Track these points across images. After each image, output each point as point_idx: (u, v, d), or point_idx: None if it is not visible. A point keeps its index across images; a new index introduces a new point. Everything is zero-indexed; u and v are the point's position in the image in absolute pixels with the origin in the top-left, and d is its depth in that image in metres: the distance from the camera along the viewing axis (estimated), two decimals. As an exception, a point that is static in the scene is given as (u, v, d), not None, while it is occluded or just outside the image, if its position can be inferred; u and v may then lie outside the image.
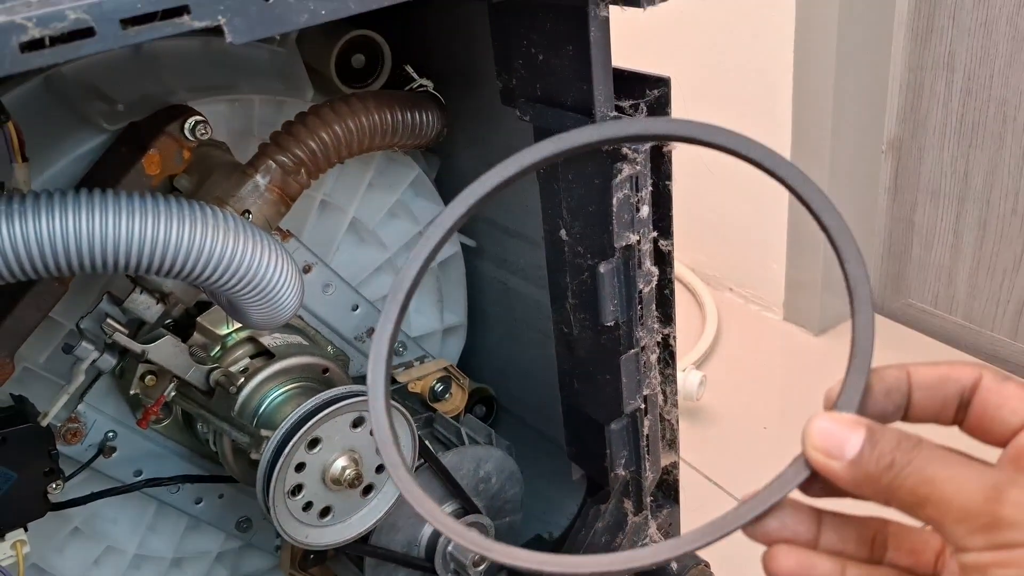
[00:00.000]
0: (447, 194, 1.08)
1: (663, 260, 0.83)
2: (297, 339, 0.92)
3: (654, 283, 0.82)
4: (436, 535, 0.96)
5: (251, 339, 0.90)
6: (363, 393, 0.82)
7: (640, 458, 0.88)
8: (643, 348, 0.83)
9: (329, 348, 0.98)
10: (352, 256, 1.02)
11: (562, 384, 1.05)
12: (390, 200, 1.03)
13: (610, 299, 0.80)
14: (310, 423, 0.78)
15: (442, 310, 1.13)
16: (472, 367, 1.19)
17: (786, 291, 1.59)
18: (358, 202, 1.00)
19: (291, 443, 0.78)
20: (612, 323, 0.81)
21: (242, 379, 0.85)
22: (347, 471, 0.82)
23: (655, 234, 0.79)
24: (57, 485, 0.79)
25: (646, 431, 0.87)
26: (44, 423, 0.77)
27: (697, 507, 1.04)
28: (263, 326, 0.73)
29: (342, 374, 0.91)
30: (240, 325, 0.89)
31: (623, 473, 0.90)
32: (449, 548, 0.96)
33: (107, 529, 0.94)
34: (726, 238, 1.62)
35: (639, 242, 0.78)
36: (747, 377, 1.47)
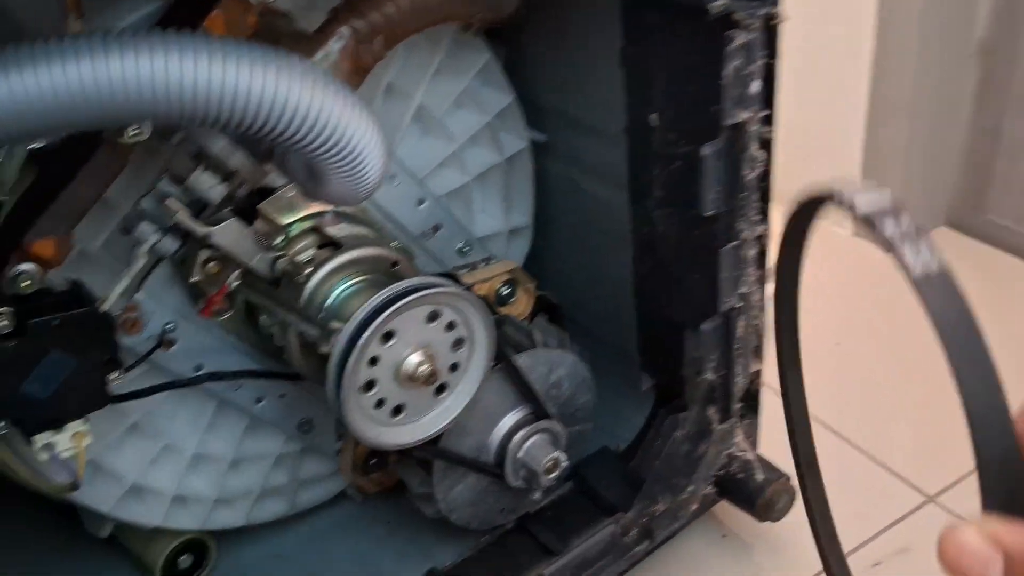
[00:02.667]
0: (515, 86, 1.01)
1: (767, 147, 0.76)
2: (363, 231, 0.87)
3: (759, 170, 0.75)
4: (507, 440, 0.91)
5: (316, 229, 0.84)
6: (440, 285, 0.77)
7: (731, 361, 0.83)
8: (743, 242, 0.77)
9: (393, 244, 0.92)
10: (417, 148, 0.95)
11: (638, 289, 0.99)
12: (458, 87, 0.96)
13: (712, 186, 0.73)
14: (386, 313, 0.73)
15: (508, 210, 1.07)
16: (535, 273, 1.13)
17: (858, 205, 1.50)
18: (425, 88, 0.93)
19: (366, 334, 0.72)
20: (712, 213, 0.75)
21: (309, 269, 0.79)
22: (422, 367, 0.77)
23: (765, 113, 0.72)
24: (117, 376, 0.75)
25: (740, 332, 0.81)
26: (103, 308, 0.73)
27: (770, 423, 0.98)
28: (343, 199, 0.67)
29: (412, 268, 0.86)
30: (304, 214, 0.84)
31: (711, 378, 0.85)
32: (520, 454, 0.91)
33: (165, 427, 0.90)
34: (793, 144, 1.53)
35: (747, 122, 0.71)
36: (818, 294, 1.39)
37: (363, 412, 0.77)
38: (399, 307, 0.73)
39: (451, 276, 0.95)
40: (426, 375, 0.77)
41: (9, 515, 1.04)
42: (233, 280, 0.78)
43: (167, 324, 0.83)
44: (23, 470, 0.73)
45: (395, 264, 0.84)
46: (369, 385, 0.76)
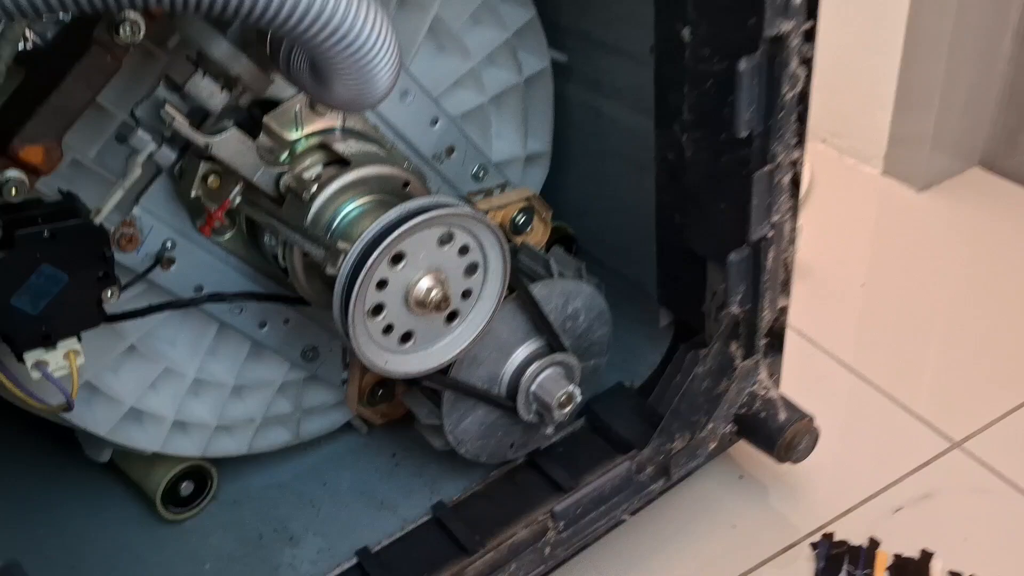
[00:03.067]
0: (536, 4, 0.95)
1: (808, 64, 0.71)
2: (373, 149, 0.82)
3: (798, 88, 0.70)
4: (520, 372, 0.88)
5: (323, 146, 0.80)
6: (454, 205, 0.72)
7: (758, 295, 0.78)
8: (778, 166, 0.72)
9: (405, 164, 0.87)
10: (432, 64, 0.90)
11: (660, 219, 0.94)
12: (476, 1, 0.90)
13: (747, 105, 0.68)
14: (396, 233, 0.68)
15: (526, 135, 1.02)
16: (550, 203, 1.08)
17: (889, 143, 1.44)
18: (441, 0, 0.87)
19: (374, 255, 0.68)
20: (746, 134, 0.70)
21: (315, 187, 0.75)
22: (433, 292, 0.73)
23: (808, 26, 0.66)
24: (112, 293, 0.71)
25: (769, 264, 0.77)
26: (97, 221, 0.68)
27: (793, 363, 0.95)
28: (351, 103, 0.63)
29: (424, 190, 0.81)
30: (312, 129, 0.79)
31: (736, 312, 0.80)
32: (533, 388, 0.88)
33: (165, 350, 0.86)
34: (824, 82, 1.47)
35: (789, 35, 0.66)
36: (842, 233, 1.35)
37: (371, 338, 0.73)
38: (411, 227, 0.69)
39: (465, 201, 0.91)
40: (437, 301, 0.73)
41: (5, 438, 1.02)
42: (235, 196, 0.73)
43: (166, 242, 0.79)
44: (15, 389, 0.70)
45: (406, 184, 0.80)
46: (377, 310, 0.72)
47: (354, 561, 0.92)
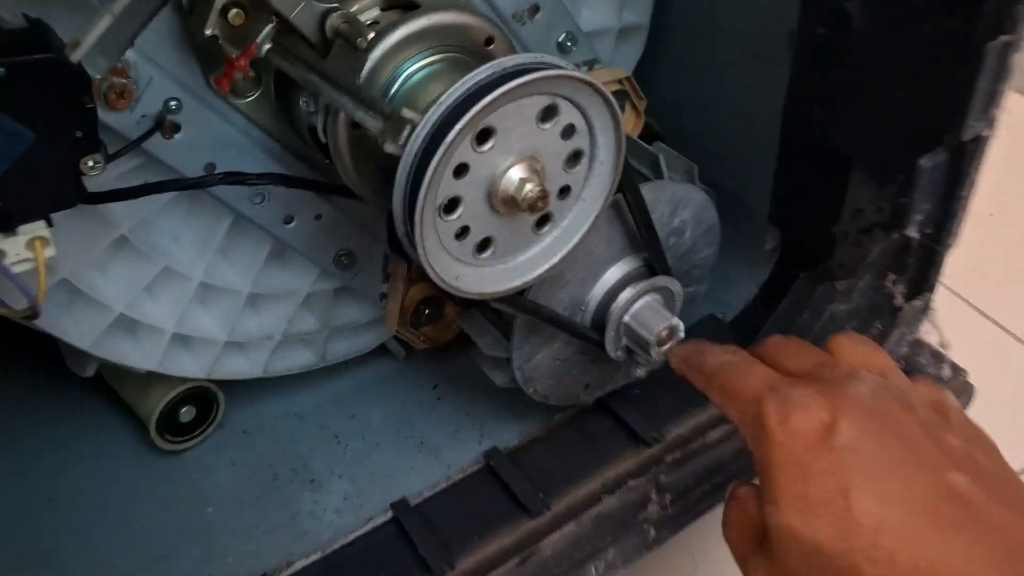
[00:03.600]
0: None
1: None
2: (447, -6, 0.62)
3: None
4: (610, 298, 0.70)
5: (382, -16, 0.60)
6: (565, 67, 0.53)
7: (951, 215, 0.60)
8: (1019, 38, 0.52)
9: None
10: None
11: (790, 115, 0.75)
12: None
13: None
14: (489, 98, 0.49)
15: (623, 3, 0.81)
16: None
17: None
18: None
19: (457, 128, 0.49)
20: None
21: (373, 33, 0.55)
22: (527, 187, 0.54)
23: None
24: (95, 163, 0.52)
25: (974, 174, 0.58)
26: (74, 57, 0.49)
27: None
28: None
29: (511, 51, 0.61)
30: (367, -42, 0.59)
31: (912, 236, 0.62)
32: (626, 318, 0.70)
33: (166, 244, 0.68)
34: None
35: None
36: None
37: (440, 243, 0.55)
38: (508, 90, 0.49)
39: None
40: (532, 198, 0.54)
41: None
42: (264, 39, 0.54)
43: (169, 101, 0.60)
44: (-41, 284, 0.52)
45: (490, 41, 0.60)
46: (452, 205, 0.54)
47: (389, 515, 0.75)
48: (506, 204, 0.55)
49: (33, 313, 0.53)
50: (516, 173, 0.54)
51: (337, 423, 0.85)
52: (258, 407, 0.86)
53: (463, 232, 0.55)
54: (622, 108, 0.81)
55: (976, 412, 0.75)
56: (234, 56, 0.54)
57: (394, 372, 0.89)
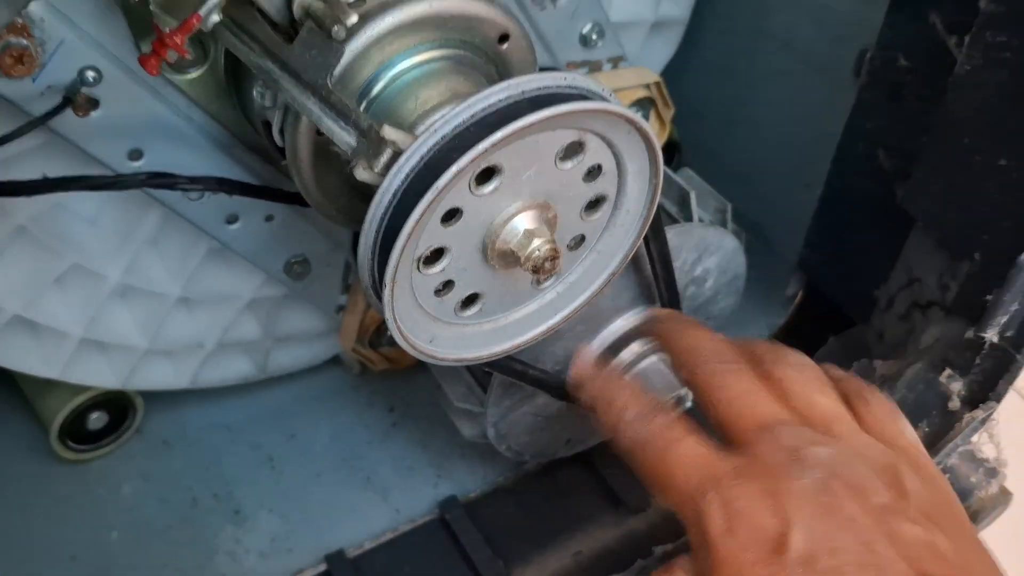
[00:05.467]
0: None
1: None
2: (454, -30, 0.49)
3: None
4: (611, 353, 0.58)
5: (373, -50, 0.46)
6: (603, 97, 0.40)
7: (1043, 321, 0.49)
8: None
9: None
10: None
11: (848, 150, 0.64)
12: None
13: None
14: (497, 136, 0.37)
15: (661, -10, 0.69)
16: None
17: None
18: None
19: (452, 171, 0.37)
20: None
21: (354, 18, 0.42)
22: (535, 243, 0.42)
23: None
24: (-27, 149, 0.39)
25: (1083, 278, 0.47)
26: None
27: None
28: None
29: (529, 51, 0.49)
30: (358, -85, 0.46)
31: (990, 338, 0.51)
32: (627, 378, 0.58)
33: (78, 235, 0.55)
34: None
35: None
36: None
37: (415, 300, 0.43)
38: (532, 122, 0.37)
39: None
40: (540, 258, 0.42)
41: None
42: (210, 10, 0.41)
43: (85, 71, 0.46)
44: None
45: (504, 38, 0.47)
46: (434, 256, 0.41)
47: (322, 567, 0.64)
48: (504, 259, 0.43)
49: None
50: (521, 223, 0.42)
51: (273, 443, 0.74)
52: (182, 415, 0.74)
53: (445, 287, 0.43)
54: (646, 116, 0.69)
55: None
56: (168, 29, 0.41)
57: (345, 388, 0.78)
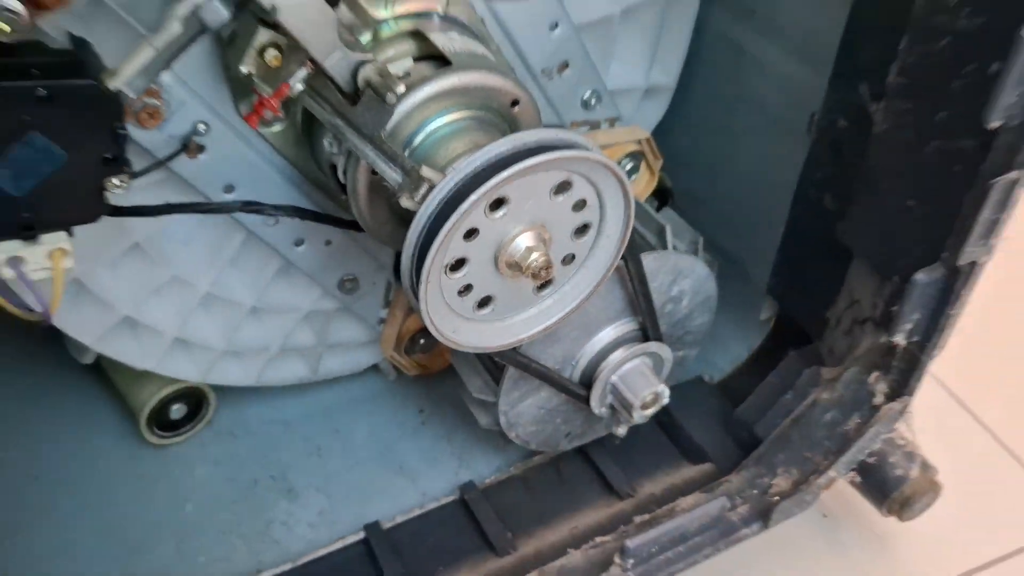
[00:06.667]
0: None
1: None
2: (479, 48, 0.64)
3: (1079, 76, 0.51)
4: (601, 358, 0.71)
5: (416, 34, 0.61)
6: (586, 147, 0.54)
7: (938, 329, 0.61)
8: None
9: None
10: (560, -48, 0.71)
11: (801, 196, 0.77)
12: None
13: (1016, 85, 0.50)
14: (509, 172, 0.51)
15: (652, 63, 0.83)
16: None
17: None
18: None
19: (473, 196, 0.51)
20: (998, 124, 0.52)
21: (402, 88, 0.56)
22: (533, 256, 0.56)
23: None
24: (121, 181, 0.54)
25: (965, 295, 0.60)
26: (113, 85, 0.51)
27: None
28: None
29: (534, 113, 0.63)
30: (406, 9, 0.61)
31: (897, 342, 0.63)
32: (614, 379, 0.72)
33: (176, 253, 0.70)
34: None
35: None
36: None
37: (442, 298, 0.56)
38: (530, 165, 0.51)
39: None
40: (537, 267, 0.56)
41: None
42: (297, 80, 0.55)
43: (198, 124, 0.61)
44: (-24, 284, 0.54)
45: (515, 103, 0.62)
46: (458, 264, 0.55)
47: (361, 535, 0.77)
48: (511, 268, 0.57)
49: (44, 320, 0.55)
50: (524, 241, 0.56)
51: (321, 436, 0.87)
52: (246, 410, 0.88)
53: (466, 289, 0.57)
54: (637, 167, 0.83)
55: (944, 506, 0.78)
56: (266, 94, 0.56)
57: (382, 391, 0.91)
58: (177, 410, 0.83)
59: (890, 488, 0.71)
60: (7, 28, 0.46)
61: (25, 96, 0.48)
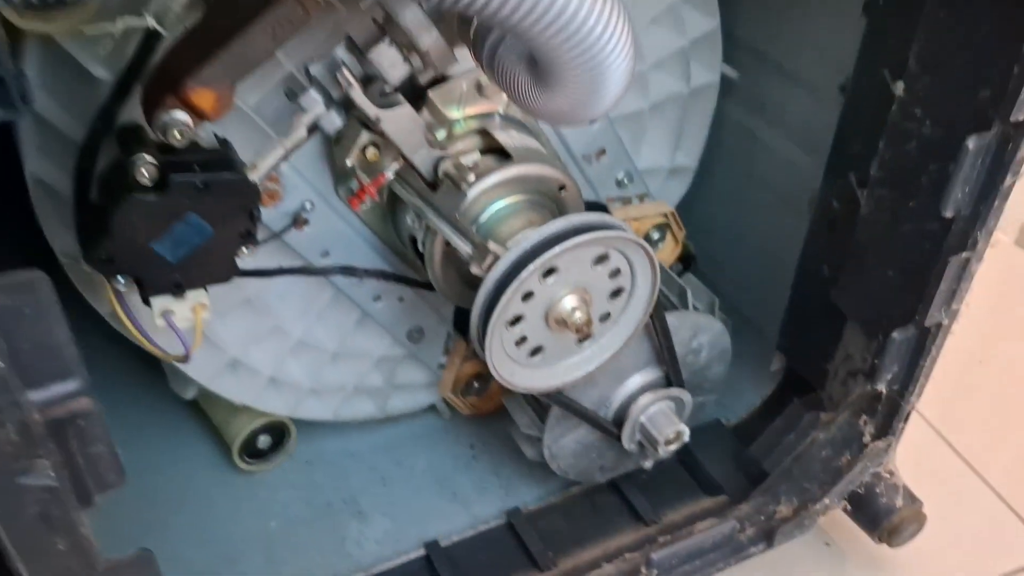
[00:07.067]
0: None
1: (1031, 153, 0.65)
2: (533, 143, 0.78)
3: (1015, 179, 0.64)
4: (631, 400, 0.84)
5: (483, 132, 0.75)
6: (621, 228, 0.68)
7: (914, 379, 0.73)
8: (975, 253, 0.66)
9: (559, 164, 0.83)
10: (599, 60, 0.85)
11: (804, 265, 0.89)
12: (662, 1, 0.84)
13: (962, 184, 0.63)
14: (558, 249, 0.64)
15: (676, 148, 0.97)
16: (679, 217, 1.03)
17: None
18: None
19: (531, 267, 0.64)
20: (951, 215, 0.64)
21: (472, 178, 0.70)
22: (576, 314, 0.69)
23: (1053, 115, 0.61)
24: (249, 250, 0.68)
25: (935, 351, 0.72)
26: (252, 177, 0.65)
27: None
28: (568, 114, 0.58)
29: (578, 196, 0.77)
30: (474, 111, 0.75)
31: (881, 390, 0.76)
32: (642, 419, 0.84)
33: (276, 307, 0.84)
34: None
35: (1030, 121, 0.60)
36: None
37: (503, 348, 0.70)
38: (576, 243, 0.64)
39: (602, 208, 0.87)
40: (579, 323, 0.69)
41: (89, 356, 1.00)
42: (391, 171, 0.70)
43: (305, 203, 0.75)
44: (135, 332, 0.67)
45: (562, 188, 0.75)
46: (515, 320, 0.69)
47: (422, 552, 0.90)
48: (558, 324, 0.70)
49: (184, 359, 0.69)
50: (569, 302, 0.69)
51: (385, 466, 1.00)
52: (322, 443, 1.01)
53: (522, 340, 0.70)
54: (663, 237, 0.96)
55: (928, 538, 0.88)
56: (365, 181, 0.70)
57: (439, 429, 1.04)
58: (264, 441, 0.96)
59: (880, 518, 0.82)
60: (180, 136, 0.61)
61: (189, 187, 0.62)
